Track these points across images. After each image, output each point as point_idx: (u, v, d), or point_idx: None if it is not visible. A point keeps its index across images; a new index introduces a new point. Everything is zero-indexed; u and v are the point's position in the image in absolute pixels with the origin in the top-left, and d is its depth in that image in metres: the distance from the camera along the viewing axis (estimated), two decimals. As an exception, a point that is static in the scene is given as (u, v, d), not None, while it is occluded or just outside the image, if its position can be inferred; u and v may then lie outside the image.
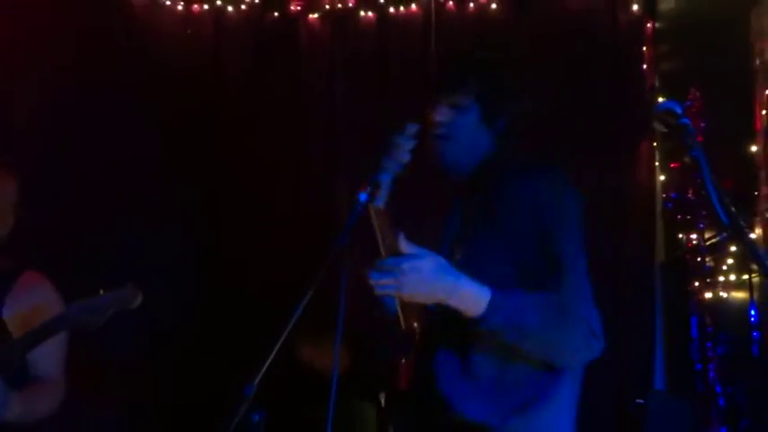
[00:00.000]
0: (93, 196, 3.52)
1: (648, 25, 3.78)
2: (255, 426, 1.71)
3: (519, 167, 1.82)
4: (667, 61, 3.75)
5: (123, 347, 3.26)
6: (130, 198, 3.56)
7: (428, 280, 1.62)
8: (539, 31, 3.77)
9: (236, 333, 3.39)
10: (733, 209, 1.30)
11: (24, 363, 2.27)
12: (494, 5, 3.83)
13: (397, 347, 1.85)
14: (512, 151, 1.88)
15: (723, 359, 3.20)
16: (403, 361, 1.77)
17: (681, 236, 3.48)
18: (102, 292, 2.08)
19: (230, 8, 3.94)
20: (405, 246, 1.63)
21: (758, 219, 3.32)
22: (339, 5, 3.92)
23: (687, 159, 1.43)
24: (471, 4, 3.84)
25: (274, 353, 1.66)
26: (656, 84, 3.73)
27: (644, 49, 3.76)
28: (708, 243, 3.33)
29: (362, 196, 1.71)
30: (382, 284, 1.63)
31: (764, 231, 3.28)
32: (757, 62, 3.48)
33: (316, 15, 3.93)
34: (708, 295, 3.33)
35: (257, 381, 1.65)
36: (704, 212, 3.33)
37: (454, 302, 1.65)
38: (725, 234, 3.22)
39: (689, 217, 3.41)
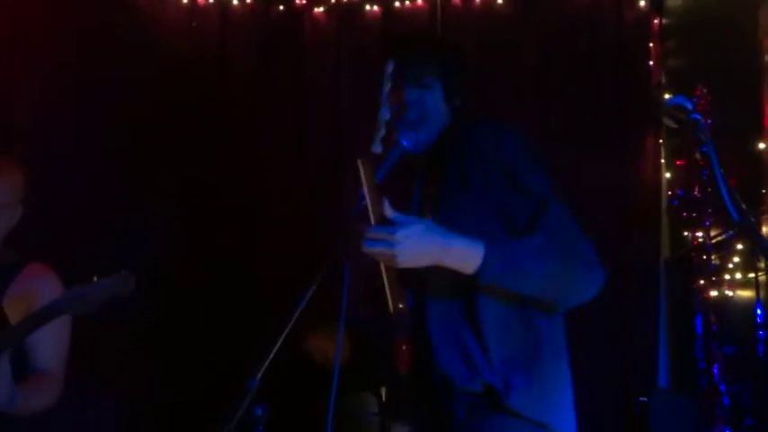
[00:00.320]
0: (96, 191, 3.52)
1: (655, 21, 3.76)
2: (258, 419, 1.70)
3: (465, 126, 1.86)
4: (674, 58, 3.74)
5: (125, 341, 3.26)
6: (134, 193, 3.55)
7: (422, 244, 1.61)
8: (545, 27, 3.76)
9: (240, 326, 3.39)
10: (744, 205, 1.29)
11: (25, 355, 2.26)
12: (500, 0, 3.81)
13: (389, 332, 1.84)
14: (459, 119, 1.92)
15: (728, 358, 3.18)
16: (403, 347, 1.75)
17: (686, 233, 3.46)
18: (95, 278, 2.08)
19: (235, 1, 3.92)
20: (390, 212, 1.62)
21: (765, 216, 3.30)
22: (345, -1, 3.91)
23: (697, 155, 1.41)
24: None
25: (277, 346, 1.66)
26: (663, 80, 3.71)
27: (650, 45, 3.74)
28: (713, 241, 3.32)
29: (363, 191, 1.70)
30: (377, 254, 1.61)
31: (772, 229, 3.27)
32: (765, 59, 3.47)
33: (321, 9, 3.91)
34: (713, 293, 3.32)
35: (260, 374, 1.64)
36: (710, 210, 3.31)
37: (449, 262, 1.64)
38: (731, 232, 3.21)
39: (694, 215, 3.39)
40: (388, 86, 1.87)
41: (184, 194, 3.63)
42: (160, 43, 3.78)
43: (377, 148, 1.84)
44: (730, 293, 3.38)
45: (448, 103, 1.91)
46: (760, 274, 3.19)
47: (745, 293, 3.36)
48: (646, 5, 3.72)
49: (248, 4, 3.93)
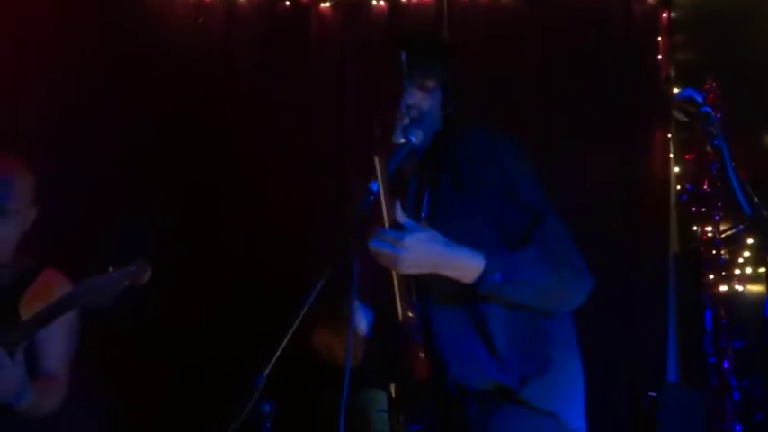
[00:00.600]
0: (104, 191, 3.52)
1: (664, 15, 3.73)
2: (265, 416, 1.70)
3: (461, 132, 1.88)
4: (683, 52, 3.70)
5: (129, 340, 3.26)
6: (140, 192, 3.55)
7: (426, 253, 1.65)
8: (552, 21, 3.73)
9: (247, 323, 3.38)
10: (756, 199, 1.28)
11: (34, 358, 2.26)
12: (507, -5, 3.79)
13: (397, 338, 1.85)
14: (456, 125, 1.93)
15: (738, 353, 3.17)
16: (421, 355, 1.77)
17: (695, 228, 3.44)
18: (111, 269, 2.07)
19: (242, -3, 3.91)
20: (401, 216, 1.65)
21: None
22: (351, -6, 3.89)
23: (708, 148, 1.40)
24: (485, -6, 3.81)
25: (285, 343, 1.65)
26: (672, 74, 3.69)
27: (659, 39, 3.71)
28: (723, 235, 3.30)
29: (374, 185, 1.71)
30: (381, 255, 1.64)
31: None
32: (775, 52, 3.44)
33: (327, 4, 3.89)
34: (723, 288, 3.30)
35: (267, 371, 1.64)
36: (720, 204, 3.29)
37: (450, 272, 1.69)
38: (741, 226, 3.20)
39: (704, 209, 3.37)
40: (405, 72, 1.85)
41: (189, 192, 3.62)
42: (166, 40, 3.77)
43: (399, 138, 1.83)
44: (740, 288, 3.36)
45: (443, 110, 1.92)
46: (770, 268, 3.17)
47: (756, 288, 3.35)
48: (654, -1, 3.71)
49: (254, 0, 3.92)
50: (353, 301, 1.66)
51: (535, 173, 1.85)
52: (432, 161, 1.87)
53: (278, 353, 1.65)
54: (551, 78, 3.71)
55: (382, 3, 3.88)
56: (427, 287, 1.80)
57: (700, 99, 1.43)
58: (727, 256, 3.33)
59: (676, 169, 3.63)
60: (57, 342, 2.24)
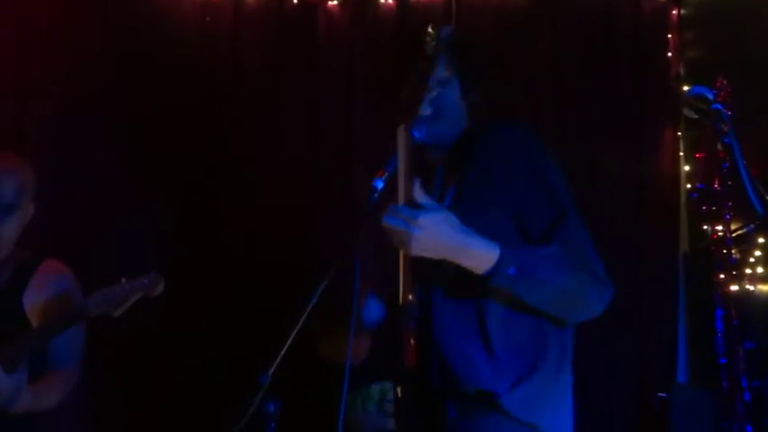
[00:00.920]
0: (107, 190, 3.52)
1: (674, 12, 3.71)
2: (270, 415, 1.69)
3: (492, 127, 1.84)
4: (693, 49, 3.68)
5: (134, 338, 3.26)
6: (146, 191, 3.55)
7: (440, 236, 1.59)
8: (561, 18, 3.72)
9: (251, 322, 3.38)
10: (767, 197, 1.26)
11: (42, 352, 2.26)
12: (516, -8, 3.78)
13: (396, 323, 1.83)
14: (484, 120, 1.89)
15: (749, 353, 3.14)
16: (411, 341, 1.73)
17: (706, 227, 3.42)
18: (124, 280, 2.08)
19: (249, -5, 3.90)
20: (419, 194, 1.60)
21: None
22: (359, -9, 3.88)
23: (719, 146, 1.38)
24: (493, -9, 3.79)
25: (289, 342, 1.64)
26: (682, 72, 3.66)
27: (669, 36, 3.69)
28: (734, 234, 3.28)
29: (378, 183, 1.69)
30: (394, 232, 1.59)
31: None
32: (787, 49, 3.41)
33: (335, 2, 3.88)
34: (734, 288, 3.28)
35: (272, 370, 1.63)
36: (730, 203, 3.27)
37: (463, 260, 1.62)
38: (752, 225, 3.17)
39: (714, 208, 3.35)
40: (438, 47, 1.82)
41: (194, 191, 3.62)
42: (173, 38, 3.77)
43: (426, 110, 1.80)
44: (751, 288, 3.34)
45: (465, 99, 1.88)
46: (782, 267, 3.15)
47: (767, 288, 3.32)
48: (664, -5, 3.68)
49: (262, -2, 3.91)
50: (355, 298, 1.63)
51: (562, 172, 1.80)
52: (459, 153, 1.82)
53: (283, 352, 1.65)
54: (560, 76, 3.70)
55: (390, 1, 3.86)
56: (433, 277, 1.74)
57: (710, 96, 1.40)
58: (737, 256, 3.30)
59: (686, 168, 3.60)
60: (64, 337, 2.24)
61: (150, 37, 3.73)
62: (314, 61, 3.83)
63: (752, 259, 3.36)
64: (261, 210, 3.60)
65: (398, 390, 1.91)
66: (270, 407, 1.69)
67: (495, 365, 1.70)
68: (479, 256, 1.61)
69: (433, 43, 1.82)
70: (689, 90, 1.47)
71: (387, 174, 1.65)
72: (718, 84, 3.15)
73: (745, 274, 3.34)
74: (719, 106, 1.40)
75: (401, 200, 1.64)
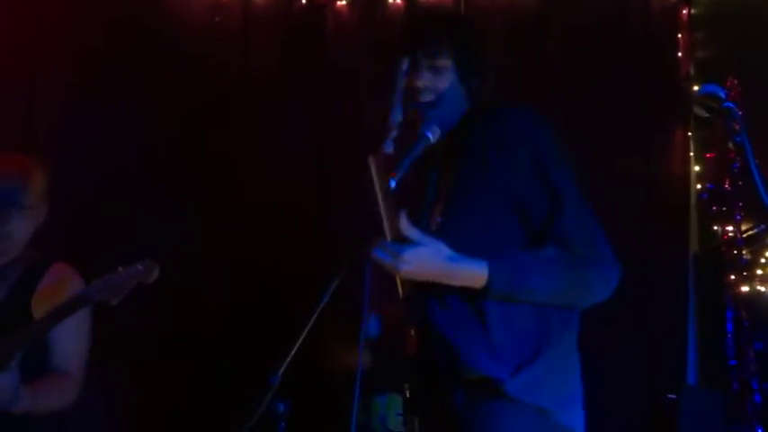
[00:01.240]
0: (118, 188, 3.52)
1: (684, 11, 3.70)
2: (280, 415, 1.69)
3: (490, 111, 1.81)
4: (703, 49, 3.66)
5: (145, 339, 3.26)
6: (156, 190, 3.55)
7: (425, 268, 1.63)
8: (571, 18, 3.70)
9: (262, 323, 3.37)
10: (780, 196, 1.24)
11: (43, 352, 2.26)
12: (525, -8, 3.77)
13: (398, 313, 1.83)
14: (483, 103, 1.87)
15: (759, 354, 3.12)
16: (412, 332, 1.75)
17: (716, 228, 3.40)
18: (120, 269, 2.09)
19: (258, -5, 3.90)
20: (406, 227, 1.61)
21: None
22: (367, -9, 3.88)
23: (731, 145, 1.37)
24: (502, -9, 3.78)
25: (299, 343, 1.64)
26: (692, 72, 3.65)
27: (679, 36, 3.67)
28: (745, 235, 3.26)
29: (390, 183, 1.68)
30: (382, 264, 1.63)
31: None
32: (798, 49, 3.39)
33: (344, 2, 3.88)
34: (744, 289, 3.26)
35: (282, 370, 1.63)
36: (741, 203, 3.25)
37: (454, 284, 1.67)
38: (763, 226, 3.16)
39: (725, 208, 3.33)
40: (401, 83, 1.84)
41: (205, 190, 3.62)
42: (183, 39, 3.77)
43: (389, 148, 1.80)
44: (762, 289, 3.32)
45: (464, 85, 1.86)
46: (793, 268, 3.13)
47: (778, 289, 3.31)
48: (674, -5, 3.67)
49: (271, -2, 3.91)
50: (366, 302, 1.64)
51: (567, 157, 1.78)
52: (458, 142, 1.80)
53: (293, 352, 1.64)
54: (570, 77, 3.68)
55: (398, 0, 3.86)
56: None
57: (722, 95, 1.39)
58: (748, 256, 3.28)
59: (696, 168, 3.59)
60: (66, 338, 2.24)
61: (160, 38, 3.73)
62: (322, 61, 3.83)
63: (763, 260, 3.34)
64: (268, 209, 3.60)
65: (405, 385, 1.90)
66: (280, 407, 1.69)
67: (496, 353, 1.71)
68: (469, 279, 1.66)
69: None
70: (700, 88, 1.46)
71: (398, 174, 1.65)
72: (729, 83, 3.13)
73: (756, 275, 3.32)
74: (731, 105, 1.38)
75: (387, 234, 1.65)
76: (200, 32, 3.82)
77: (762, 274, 3.33)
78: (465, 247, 1.66)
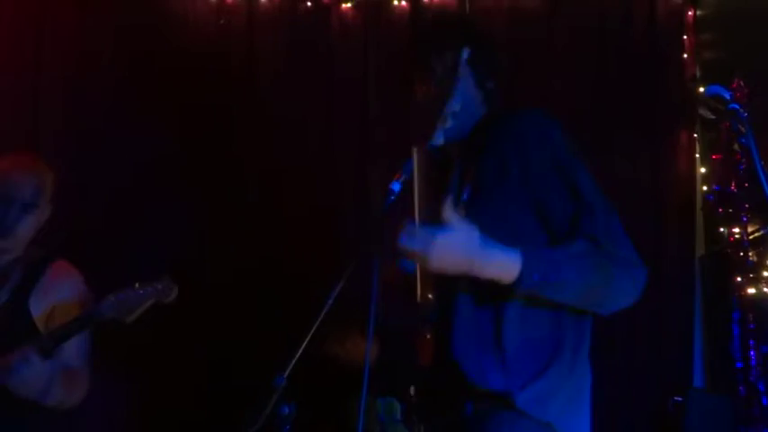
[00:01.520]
0: (123, 190, 3.53)
1: (690, 13, 3.69)
2: (285, 418, 1.69)
3: (507, 115, 1.80)
4: (709, 50, 3.66)
5: (150, 341, 3.26)
6: (162, 192, 3.56)
7: (458, 255, 1.57)
8: (576, 19, 3.70)
9: (267, 325, 3.38)
10: (786, 198, 1.24)
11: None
12: (530, -6, 3.76)
13: (412, 320, 1.82)
14: (501, 107, 1.87)
15: (766, 357, 3.11)
16: (427, 336, 1.72)
17: (722, 230, 3.39)
18: (137, 285, 2.07)
19: (263, -2, 3.91)
20: (448, 211, 1.56)
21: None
22: (372, -6, 3.88)
23: (736, 146, 1.37)
24: (507, -7, 3.78)
25: (305, 345, 1.64)
26: (698, 74, 3.64)
27: (685, 37, 3.67)
28: (751, 237, 3.25)
29: (395, 185, 1.68)
30: (411, 252, 1.58)
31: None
32: (804, 50, 3.38)
33: (349, 5, 3.88)
34: (751, 291, 3.25)
35: (288, 373, 1.63)
36: (747, 205, 3.24)
37: (485, 275, 1.60)
38: (771, 227, 3.15)
39: (731, 210, 3.32)
40: (463, 72, 1.81)
41: (212, 192, 3.62)
42: (188, 41, 3.78)
43: (439, 140, 1.79)
44: (769, 291, 3.32)
45: (480, 88, 1.86)
46: (800, 270, 3.12)
47: (785, 291, 3.30)
48: (680, -4, 3.66)
49: (276, 1, 3.92)
50: (373, 303, 1.62)
51: (577, 152, 1.76)
52: (477, 145, 1.79)
53: (298, 354, 1.64)
54: (575, 78, 3.68)
55: (404, 3, 3.86)
56: (454, 278, 1.68)
57: (727, 96, 1.39)
58: (755, 259, 3.27)
59: (703, 170, 3.58)
60: (76, 338, 2.25)
61: (165, 39, 3.74)
62: (327, 63, 3.84)
63: (769, 262, 3.34)
64: (275, 212, 3.60)
65: (412, 389, 1.90)
66: (285, 409, 1.69)
67: (507, 368, 1.68)
68: (502, 267, 1.59)
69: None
70: (705, 90, 1.46)
71: (404, 176, 1.64)
72: (734, 85, 3.13)
73: (763, 277, 3.30)
74: (737, 106, 1.38)
75: (417, 219, 1.63)
76: (205, 35, 3.83)
77: (768, 277, 3.33)
78: None
